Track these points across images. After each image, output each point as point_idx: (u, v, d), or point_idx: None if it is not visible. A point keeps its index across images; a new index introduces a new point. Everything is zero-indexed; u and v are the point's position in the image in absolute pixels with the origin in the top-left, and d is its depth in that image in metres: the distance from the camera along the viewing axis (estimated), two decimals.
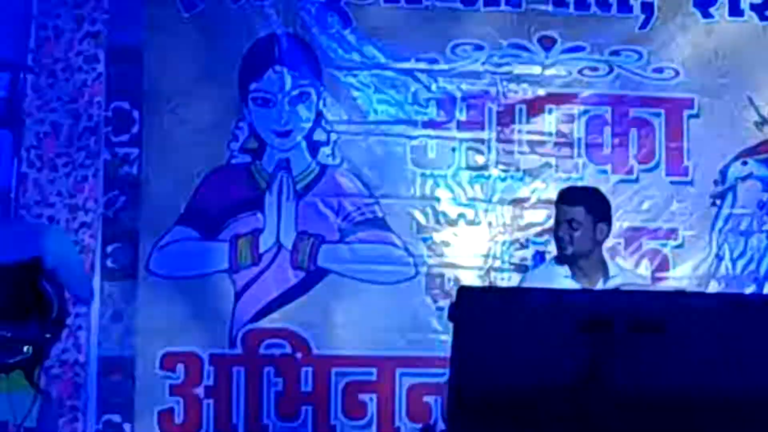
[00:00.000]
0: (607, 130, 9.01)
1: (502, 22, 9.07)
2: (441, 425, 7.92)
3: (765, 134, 9.29)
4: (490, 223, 8.98)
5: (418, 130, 9.00)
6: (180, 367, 8.73)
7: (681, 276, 9.03)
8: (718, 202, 9.17)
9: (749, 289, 8.97)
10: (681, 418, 4.46)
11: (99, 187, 8.83)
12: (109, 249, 8.74)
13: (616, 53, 9.08)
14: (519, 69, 9.02)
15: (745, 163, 9.21)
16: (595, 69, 9.11)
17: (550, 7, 9.07)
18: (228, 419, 8.78)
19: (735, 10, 9.31)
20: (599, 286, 7.39)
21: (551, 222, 7.88)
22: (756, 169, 9.27)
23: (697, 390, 4.46)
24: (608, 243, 7.84)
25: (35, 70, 8.84)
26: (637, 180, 9.05)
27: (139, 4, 9.10)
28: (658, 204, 9.10)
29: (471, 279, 8.86)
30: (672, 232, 9.06)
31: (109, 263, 8.72)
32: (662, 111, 9.13)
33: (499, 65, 9.03)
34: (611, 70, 9.09)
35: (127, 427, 8.66)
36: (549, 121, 9.07)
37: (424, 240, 8.94)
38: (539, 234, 8.76)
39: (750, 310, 5.08)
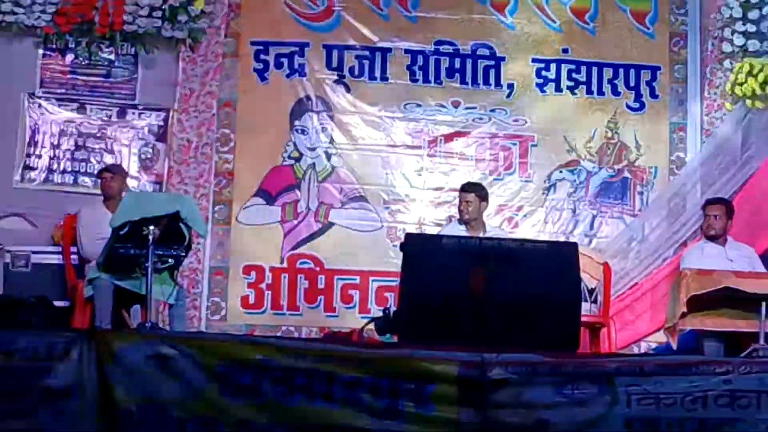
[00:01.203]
0: (488, 151, 12.94)
1: (432, 92, 12.86)
2: (393, 308, 9.37)
3: (572, 156, 13.04)
4: (422, 200, 12.74)
5: (385, 148, 12.79)
6: (252, 272, 12.43)
7: (525, 233, 12.44)
8: (545, 192, 12.96)
9: (562, 239, 12.27)
10: (522, 312, 7.78)
11: (211, 174, 12.32)
12: (216, 209, 12.42)
13: (493, 110, 12.87)
14: (440, 117, 12.86)
15: (560, 172, 13.01)
16: (481, 119, 12.96)
17: (458, 84, 12.88)
18: (277, 303, 12.41)
19: (558, 89, 12.99)
20: (481, 235, 10.52)
21: (457, 201, 11.19)
22: (567, 175, 13.03)
23: (531, 296, 7.91)
24: (487, 212, 11.24)
25: (179, 110, 12.19)
26: (502, 179, 12.80)
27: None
28: (513, 192, 12.83)
29: (412, 229, 12.13)
30: (520, 209, 12.83)
31: (216, 216, 12.36)
32: (518, 142, 13.03)
33: (430, 114, 12.83)
34: (490, 119, 12.91)
35: (223, 304, 12.24)
36: (456, 146, 12.92)
37: (386, 208, 12.66)
38: (450, 207, 12.14)
39: (551, 250, 8.81)
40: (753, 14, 12.41)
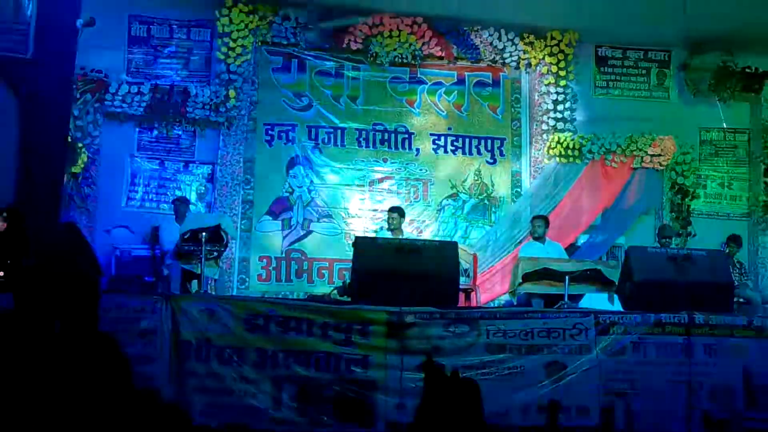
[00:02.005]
0: (404, 189, 12.48)
1: (371, 153, 12.40)
2: (348, 281, 9.84)
3: (454, 191, 12.52)
4: (365, 217, 12.18)
5: (343, 187, 12.27)
6: (264, 260, 12.01)
7: (426, 236, 11.89)
8: (438, 212, 12.47)
9: (448, 239, 11.58)
10: (424, 283, 7.83)
11: (239, 202, 11.88)
12: (242, 222, 11.92)
13: (407, 164, 12.48)
14: (376, 168, 12.39)
15: (447, 200, 12.50)
16: (400, 169, 12.48)
17: (386, 148, 12.47)
18: (279, 278, 12.00)
19: (445, 152, 12.56)
20: (400, 237, 10.08)
21: (386, 217, 10.86)
22: (451, 203, 12.56)
23: (430, 273, 7.94)
24: (404, 224, 10.80)
25: (220, 164, 11.75)
26: (413, 205, 12.28)
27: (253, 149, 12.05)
28: (419, 212, 12.38)
29: (359, 234, 11.40)
30: (423, 222, 12.32)
31: (242, 227, 11.85)
32: (421, 182, 12.58)
33: (370, 166, 12.37)
34: (405, 169, 12.50)
35: (246, 279, 11.83)
36: (385, 185, 12.41)
37: (344, 222, 12.17)
38: (382, 221, 11.46)
39: (441, 246, 9.12)
40: (559, 107, 12.57)
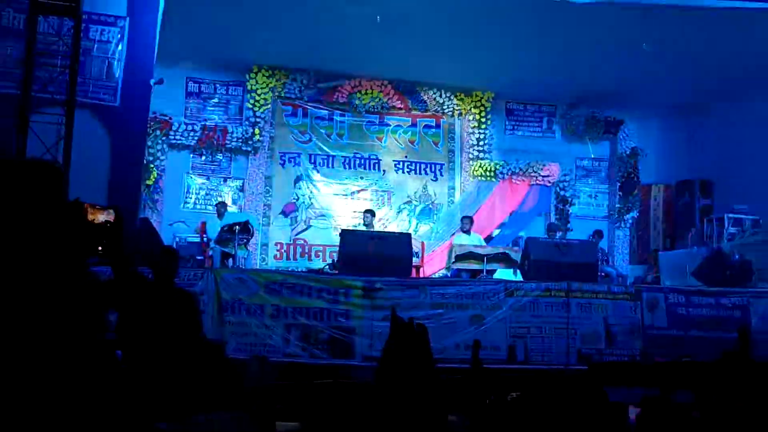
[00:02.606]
0: (374, 198, 12.07)
1: (351, 173, 12.06)
2: (335, 259, 9.15)
3: (408, 199, 12.11)
4: (347, 216, 11.69)
5: (332, 196, 11.93)
6: (278, 245, 11.64)
7: (390, 230, 11.36)
8: (398, 214, 12.15)
9: (405, 231, 10.67)
10: (387, 261, 8.00)
11: (261, 205, 11.58)
12: (263, 219, 11.54)
13: (376, 181, 12.09)
14: (356, 183, 12.04)
15: (404, 205, 12.13)
16: (371, 184, 12.09)
17: (363, 170, 12.09)
18: (288, 258, 11.65)
19: (404, 172, 12.21)
20: (372, 230, 9.71)
21: (362, 217, 10.32)
22: (407, 207, 12.15)
23: (390, 255, 8.12)
24: (375, 221, 10.41)
25: (248, 180, 11.53)
26: (380, 208, 11.69)
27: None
28: (385, 214, 11.94)
29: (344, 226, 10.63)
30: (388, 220, 11.92)
31: (263, 223, 11.48)
32: (386, 193, 12.21)
33: (352, 183, 12.00)
34: (375, 184, 12.10)
35: (266, 258, 11.43)
36: (362, 195, 12.06)
37: (334, 219, 11.77)
38: (359, 220, 10.63)
39: (393, 236, 9.10)
40: (480, 143, 12.46)
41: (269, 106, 11.80)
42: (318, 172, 12.17)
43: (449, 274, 9.53)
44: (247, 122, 11.75)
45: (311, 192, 12.11)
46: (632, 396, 3.69)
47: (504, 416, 3.16)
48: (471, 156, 12.41)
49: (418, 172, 12.53)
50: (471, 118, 12.44)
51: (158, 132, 11.11)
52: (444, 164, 12.57)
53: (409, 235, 8.84)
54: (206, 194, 11.72)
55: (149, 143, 10.56)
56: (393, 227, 11.92)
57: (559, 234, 11.00)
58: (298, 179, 12.05)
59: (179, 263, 4.48)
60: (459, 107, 12.43)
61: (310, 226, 12.00)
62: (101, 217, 1.80)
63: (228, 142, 11.62)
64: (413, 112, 12.45)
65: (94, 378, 1.96)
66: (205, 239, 10.28)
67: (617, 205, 12.56)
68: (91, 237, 1.91)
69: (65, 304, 1.97)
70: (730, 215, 9.61)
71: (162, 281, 3.98)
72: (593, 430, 2.31)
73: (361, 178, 12.28)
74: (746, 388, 3.14)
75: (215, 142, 11.56)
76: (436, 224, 12.31)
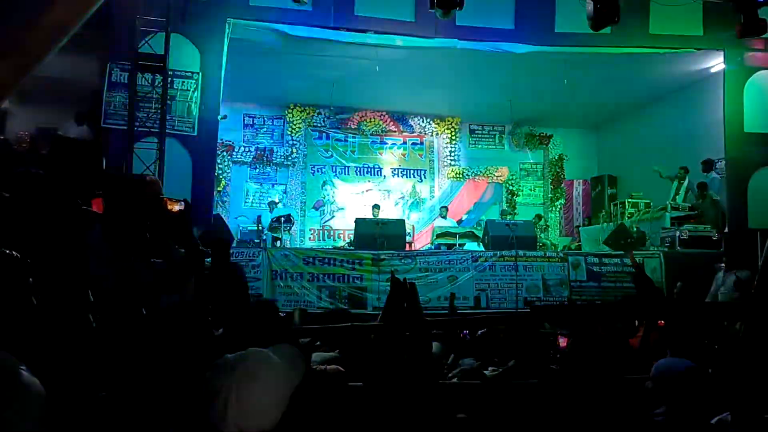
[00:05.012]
0: (378, 195, 11.48)
1: (361, 179, 11.59)
2: (353, 239, 8.30)
3: (403, 196, 11.62)
4: (359, 210, 10.73)
5: (350, 195, 11.38)
6: (312, 230, 11.24)
7: (390, 217, 10.60)
8: (396, 205, 11.57)
9: (403, 217, 10.14)
10: (391, 238, 8.52)
11: (299, 203, 11.21)
12: (301, 213, 11.08)
13: (378, 184, 11.60)
14: (365, 184, 11.59)
15: (400, 200, 11.54)
16: (376, 185, 11.55)
17: (370, 176, 11.59)
18: (320, 239, 11.20)
19: (400, 176, 11.74)
20: (379, 218, 9.41)
21: (371, 210, 9.85)
22: (402, 202, 11.56)
23: (391, 234, 8.31)
24: (380, 212, 9.90)
25: (287, 185, 11.29)
26: (384, 202, 11.00)
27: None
28: (388, 207, 11.25)
29: (359, 215, 9.10)
30: (389, 211, 11.15)
31: (301, 215, 11.10)
32: (388, 192, 11.68)
33: (362, 184, 11.58)
34: (378, 186, 11.61)
35: (302, 239, 10.99)
36: (370, 194, 11.49)
37: (350, 212, 11.04)
38: (368, 212, 10.06)
39: (395, 222, 8.51)
40: (452, 155, 12.14)
41: (302, 132, 11.51)
42: (338, 178, 11.82)
43: (432, 247, 9.33)
44: (287, 144, 11.48)
45: (333, 192, 11.75)
46: (562, 328, 3.79)
47: (474, 346, 3.21)
48: (446, 164, 12.08)
49: (408, 176, 12.13)
50: (445, 136, 12.09)
51: (225, 153, 10.87)
52: (427, 170, 12.19)
53: (403, 221, 8.69)
54: (260, 196, 11.39)
55: (218, 161, 10.30)
56: (392, 215, 11.40)
57: (509, 217, 10.76)
58: (324, 183, 11.72)
59: (241, 245, 4.31)
60: (436, 129, 12.06)
61: (334, 216, 11.65)
62: (176, 207, 1.88)
63: (274, 158, 11.36)
64: (404, 133, 12.05)
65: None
66: (260, 228, 10.02)
67: (549, 195, 12.24)
68: (171, 221, 1.89)
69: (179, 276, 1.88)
70: (630, 200, 9.41)
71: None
72: (534, 352, 2.35)
73: (369, 181, 11.93)
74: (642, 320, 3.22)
75: (265, 159, 11.30)
76: (422, 213, 11.95)
